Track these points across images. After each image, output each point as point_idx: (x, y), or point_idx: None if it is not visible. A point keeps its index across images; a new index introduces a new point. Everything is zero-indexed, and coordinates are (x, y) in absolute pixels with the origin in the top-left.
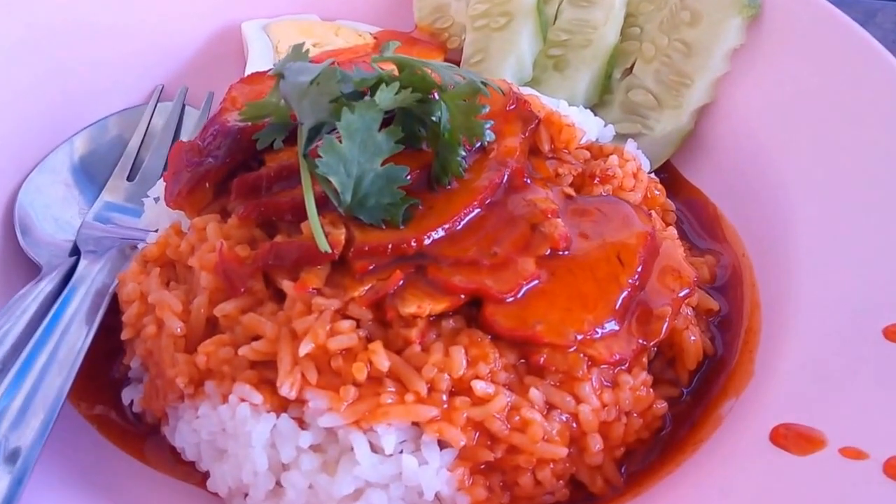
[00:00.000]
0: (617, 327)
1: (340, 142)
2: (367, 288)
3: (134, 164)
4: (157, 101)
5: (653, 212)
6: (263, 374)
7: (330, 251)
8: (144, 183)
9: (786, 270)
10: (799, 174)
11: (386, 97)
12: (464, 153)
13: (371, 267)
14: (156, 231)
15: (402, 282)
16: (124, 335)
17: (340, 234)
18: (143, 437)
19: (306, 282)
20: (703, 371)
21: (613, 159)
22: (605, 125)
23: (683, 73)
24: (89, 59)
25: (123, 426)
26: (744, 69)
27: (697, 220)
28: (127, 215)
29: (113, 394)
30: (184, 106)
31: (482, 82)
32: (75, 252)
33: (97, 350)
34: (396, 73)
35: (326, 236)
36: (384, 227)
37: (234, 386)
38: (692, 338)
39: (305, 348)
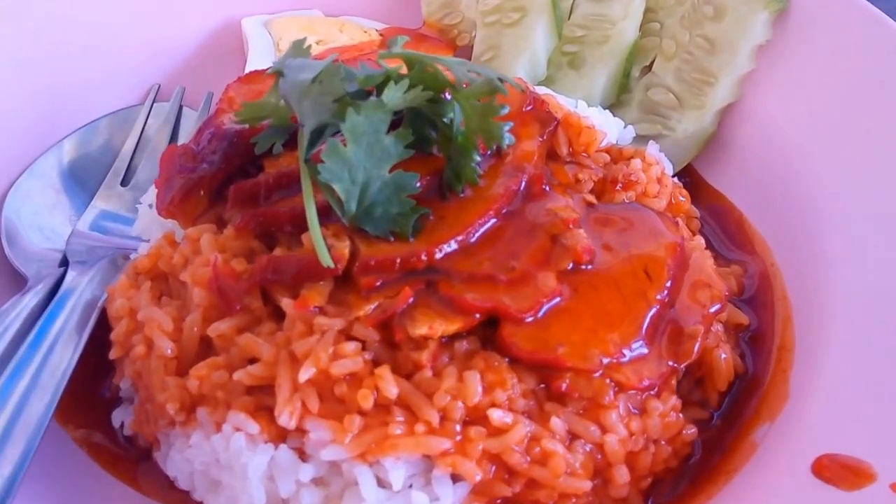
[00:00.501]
0: (646, 350)
1: (345, 145)
2: (373, 306)
3: (128, 168)
4: (153, 102)
5: (679, 220)
6: (261, 399)
7: (333, 266)
8: (139, 188)
9: (819, 281)
10: (830, 177)
11: (394, 96)
12: (479, 158)
13: (378, 283)
14: (148, 241)
15: (411, 299)
16: (113, 354)
17: (344, 247)
18: (134, 461)
19: (307, 299)
20: (734, 392)
21: (636, 163)
22: (625, 126)
23: (706, 70)
24: (80, 56)
25: (114, 450)
26: (770, 66)
27: (722, 227)
28: (120, 223)
29: (103, 415)
30: (181, 107)
31: (499, 79)
32: (65, 263)
33: (86, 367)
34: (405, 70)
35: (329, 249)
36: (392, 239)
37: (229, 414)
38: (723, 356)
39: (306, 374)
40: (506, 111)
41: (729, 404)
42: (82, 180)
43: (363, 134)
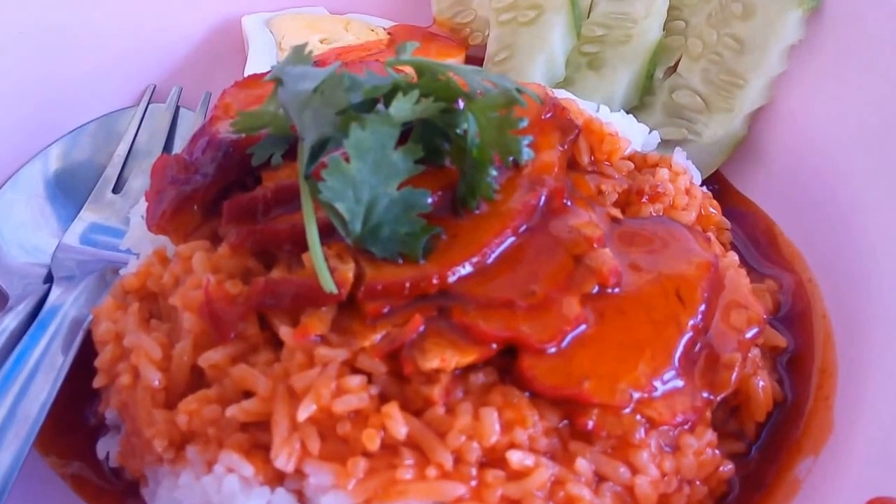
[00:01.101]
0: (680, 382)
1: (348, 162)
2: (380, 336)
3: (120, 175)
4: (148, 103)
5: (711, 234)
6: (256, 437)
7: (335, 291)
8: (131, 197)
9: (860, 296)
10: (868, 183)
11: (402, 108)
12: (495, 173)
13: (385, 310)
14: (139, 255)
15: (422, 328)
16: (97, 382)
17: (348, 271)
18: (121, 496)
19: (307, 327)
20: (773, 421)
21: (663, 173)
22: (650, 132)
23: (735, 72)
24: (70, 55)
25: (99, 483)
26: (803, 67)
27: (752, 238)
28: (110, 235)
29: (87, 444)
30: (178, 108)
31: (517, 88)
32: (50, 279)
33: (70, 391)
34: (414, 78)
35: (332, 272)
36: (401, 261)
37: (221, 453)
38: (761, 384)
39: (306, 411)
40: (524, 124)
41: (768, 435)
42: (70, 190)
43: (368, 150)
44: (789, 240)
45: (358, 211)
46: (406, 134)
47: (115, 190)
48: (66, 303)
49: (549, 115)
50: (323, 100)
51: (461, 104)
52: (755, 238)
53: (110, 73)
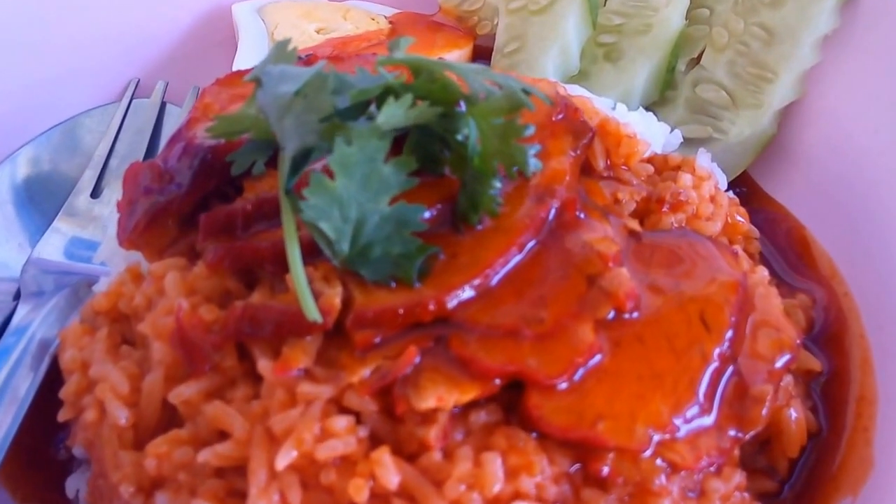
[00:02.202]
0: (705, 420)
1: (332, 178)
2: (370, 370)
3: (100, 178)
4: (132, 99)
5: (738, 248)
6: (232, 483)
7: (320, 320)
8: (112, 202)
9: None
10: None
11: (394, 115)
12: (498, 185)
13: (376, 340)
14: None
15: (417, 360)
16: (62, 416)
17: (335, 296)
18: None
19: (289, 360)
20: (807, 456)
21: (686, 179)
22: (671, 131)
23: (764, 64)
24: (46, 48)
25: None
26: (837, 59)
27: (783, 246)
28: (85, 247)
29: (56, 480)
30: (164, 104)
31: (523, 90)
32: (19, 296)
33: (42, 420)
34: (409, 78)
35: (317, 298)
36: (393, 285)
37: (193, 502)
38: (794, 415)
39: (285, 458)
40: (530, 132)
41: (801, 472)
42: (43, 197)
43: (355, 164)
44: (823, 248)
45: (345, 230)
46: (400, 140)
47: (94, 195)
48: (34, 323)
49: (560, 117)
50: (305, 104)
51: (462, 106)
52: (785, 247)
53: (89, 67)
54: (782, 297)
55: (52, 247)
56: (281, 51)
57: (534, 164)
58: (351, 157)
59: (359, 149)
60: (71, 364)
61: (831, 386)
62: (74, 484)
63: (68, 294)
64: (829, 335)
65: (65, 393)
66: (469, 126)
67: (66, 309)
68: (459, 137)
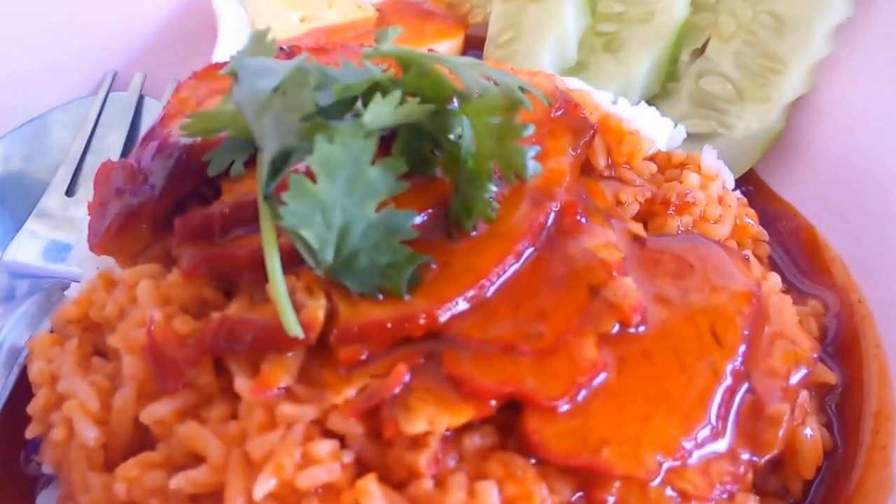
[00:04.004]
0: (718, 444)
1: (314, 180)
2: (356, 390)
3: (76, 174)
4: (108, 92)
5: (749, 254)
6: None
7: (301, 336)
8: (88, 200)
9: None
10: None
11: (381, 113)
12: (494, 188)
13: (363, 356)
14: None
15: (406, 378)
16: (30, 432)
17: (318, 309)
18: None
19: (268, 378)
20: (822, 475)
21: (692, 179)
22: (675, 126)
23: (773, 55)
24: (17, 39)
25: None
26: (851, 50)
27: (792, 248)
28: (59, 248)
29: (27, 497)
30: (142, 97)
31: (520, 87)
32: None
33: (9, 434)
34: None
35: (299, 311)
36: (381, 297)
37: None
38: (809, 434)
39: (264, 486)
40: (529, 132)
41: (817, 493)
42: (14, 195)
43: (339, 166)
44: (834, 251)
45: (329, 238)
46: (387, 139)
47: (69, 193)
48: (3, 329)
49: (559, 114)
50: (285, 102)
51: (455, 104)
52: (795, 249)
53: (63, 59)
54: (793, 303)
55: (23, 249)
56: (259, 42)
57: (533, 166)
58: (334, 158)
59: (343, 148)
60: (39, 377)
61: (845, 399)
62: (46, 501)
63: (40, 299)
64: (842, 344)
65: (33, 408)
66: (462, 125)
67: (38, 315)
68: (452, 137)
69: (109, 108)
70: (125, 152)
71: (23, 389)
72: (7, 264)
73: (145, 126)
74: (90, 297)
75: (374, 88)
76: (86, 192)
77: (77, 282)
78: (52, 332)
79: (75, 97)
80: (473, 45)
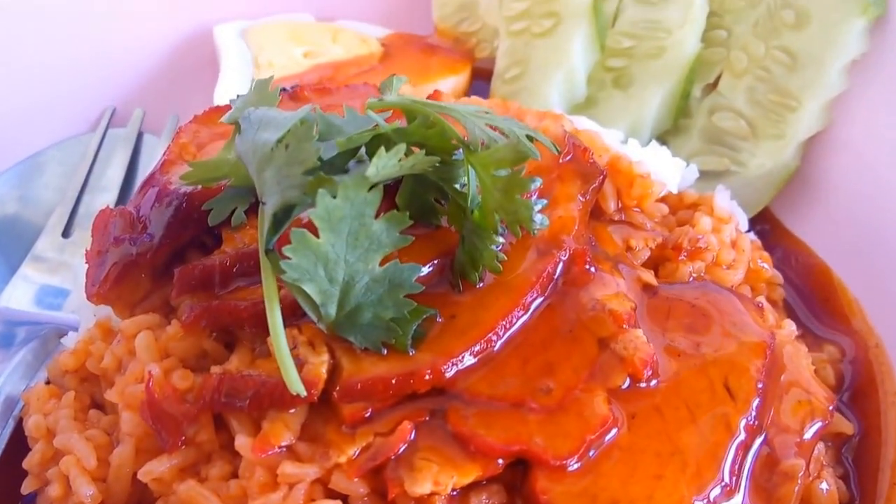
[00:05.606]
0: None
1: (317, 234)
2: (359, 448)
3: (73, 214)
4: (107, 129)
5: (762, 299)
6: None
7: (304, 394)
8: (85, 242)
9: None
10: None
11: (385, 166)
12: (501, 240)
13: (367, 413)
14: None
15: (411, 436)
16: (26, 487)
17: (321, 365)
18: None
19: (270, 437)
20: None
21: (705, 223)
22: (687, 165)
23: (786, 91)
24: (14, 75)
25: None
26: (866, 87)
27: (807, 290)
28: (55, 294)
29: None
30: (141, 134)
31: (528, 136)
32: None
33: (4, 486)
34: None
35: (301, 367)
36: (385, 351)
37: None
38: (824, 489)
39: None
40: (536, 185)
41: None
42: (9, 238)
43: (342, 219)
44: (851, 293)
45: (332, 292)
46: (392, 187)
47: (65, 234)
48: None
49: (568, 159)
50: (287, 156)
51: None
52: (810, 290)
53: (61, 95)
54: (808, 348)
55: (18, 294)
56: (262, 90)
57: (540, 220)
58: (337, 212)
59: (346, 202)
60: (36, 431)
61: (862, 449)
62: None
63: (36, 347)
64: (858, 391)
65: (29, 463)
66: (468, 174)
67: (35, 363)
68: (458, 186)
69: (108, 144)
70: (123, 190)
71: (19, 441)
72: (1, 311)
73: (144, 163)
74: (87, 348)
75: (379, 140)
76: (82, 233)
77: (74, 328)
78: (48, 382)
79: (74, 134)
80: (481, 76)
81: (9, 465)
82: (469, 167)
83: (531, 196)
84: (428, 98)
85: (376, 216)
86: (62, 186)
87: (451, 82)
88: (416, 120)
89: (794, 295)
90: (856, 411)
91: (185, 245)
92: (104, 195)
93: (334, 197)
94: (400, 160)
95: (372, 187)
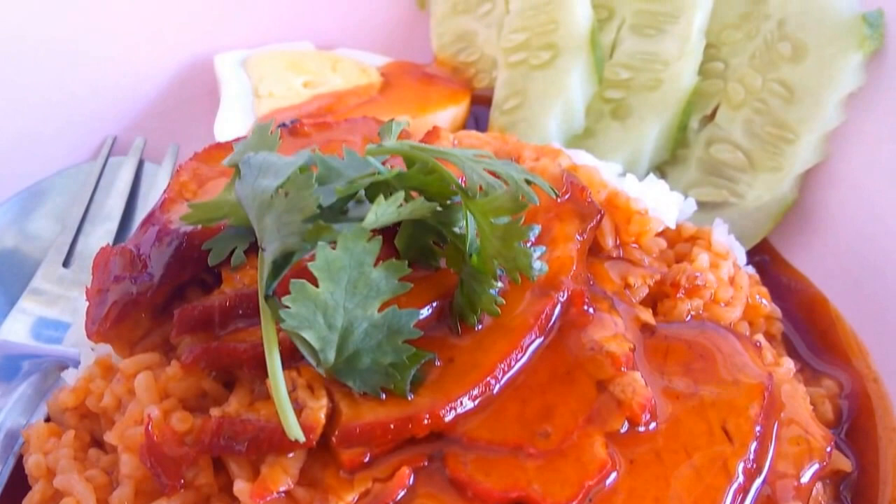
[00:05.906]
0: None
1: (316, 282)
2: (357, 494)
3: (74, 243)
4: (108, 157)
5: (760, 337)
6: None
7: (303, 440)
8: (86, 271)
9: None
10: None
11: (384, 213)
12: (499, 284)
13: (365, 458)
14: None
15: (410, 481)
16: None
17: (320, 410)
18: None
19: (268, 482)
20: None
21: (702, 259)
22: (685, 198)
23: (784, 124)
24: (14, 104)
25: None
26: (863, 120)
27: (805, 323)
28: (55, 327)
29: None
30: (142, 162)
31: (526, 180)
32: None
33: None
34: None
35: (300, 412)
36: (384, 396)
37: None
38: None
39: None
40: (536, 233)
41: None
42: (9, 269)
43: (341, 269)
44: (849, 326)
45: (331, 338)
46: (390, 230)
47: (66, 263)
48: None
49: (566, 198)
50: (288, 203)
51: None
52: (809, 324)
53: (61, 124)
54: (806, 383)
55: (18, 327)
56: (262, 135)
57: (538, 267)
58: (337, 263)
59: (345, 252)
60: (36, 470)
61: (861, 486)
62: None
63: (36, 381)
64: (856, 426)
65: (29, 503)
66: (466, 218)
67: (35, 397)
68: (456, 230)
69: (109, 173)
70: (124, 219)
71: (19, 477)
72: (1, 344)
73: (144, 191)
74: (87, 386)
75: (378, 186)
76: (82, 263)
77: (75, 361)
78: (48, 419)
79: (74, 163)
80: (480, 102)
81: (9, 499)
82: (468, 213)
83: (530, 243)
84: (427, 134)
85: (375, 262)
86: (63, 215)
87: (450, 113)
88: (414, 165)
89: (791, 328)
90: (853, 447)
91: (185, 283)
92: (105, 224)
93: (333, 247)
94: (399, 206)
95: (371, 237)
